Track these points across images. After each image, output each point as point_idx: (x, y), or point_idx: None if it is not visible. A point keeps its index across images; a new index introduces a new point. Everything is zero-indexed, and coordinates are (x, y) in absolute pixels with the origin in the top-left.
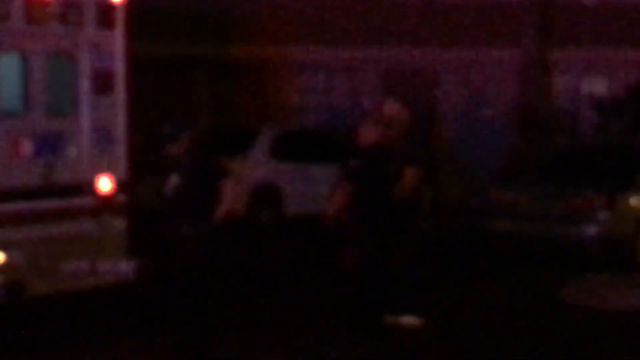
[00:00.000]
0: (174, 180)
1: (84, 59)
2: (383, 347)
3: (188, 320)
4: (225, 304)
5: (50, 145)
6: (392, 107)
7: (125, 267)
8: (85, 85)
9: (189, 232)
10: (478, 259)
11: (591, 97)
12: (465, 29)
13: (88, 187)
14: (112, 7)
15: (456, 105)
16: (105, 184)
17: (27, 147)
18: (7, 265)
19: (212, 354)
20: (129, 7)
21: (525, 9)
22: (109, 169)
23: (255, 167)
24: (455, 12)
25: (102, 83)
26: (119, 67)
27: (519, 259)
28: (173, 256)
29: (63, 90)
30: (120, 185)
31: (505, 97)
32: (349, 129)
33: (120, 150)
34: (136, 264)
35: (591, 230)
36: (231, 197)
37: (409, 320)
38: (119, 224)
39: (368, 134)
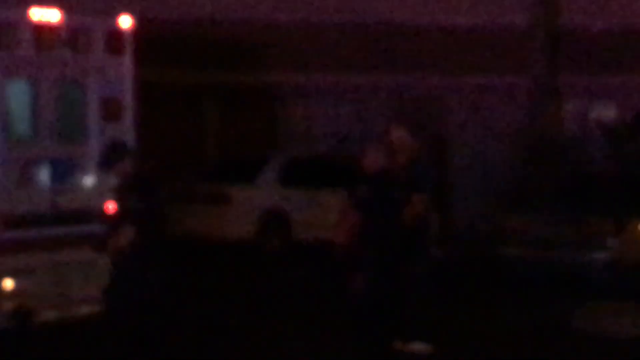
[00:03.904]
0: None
1: (93, 86)
2: None
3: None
4: (231, 329)
5: (59, 171)
6: (399, 134)
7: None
8: (94, 111)
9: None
10: (487, 285)
11: (600, 123)
12: (473, 55)
13: (97, 214)
14: (120, 34)
15: (465, 131)
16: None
17: (36, 173)
18: (16, 291)
19: None
20: (137, 34)
21: (534, 36)
22: None
23: (264, 193)
24: (464, 38)
25: (111, 109)
26: (128, 94)
27: (528, 285)
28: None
29: (72, 117)
30: None
31: (514, 123)
32: (357, 155)
33: None
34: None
35: (601, 256)
36: None
37: (418, 347)
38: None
39: (374, 161)
